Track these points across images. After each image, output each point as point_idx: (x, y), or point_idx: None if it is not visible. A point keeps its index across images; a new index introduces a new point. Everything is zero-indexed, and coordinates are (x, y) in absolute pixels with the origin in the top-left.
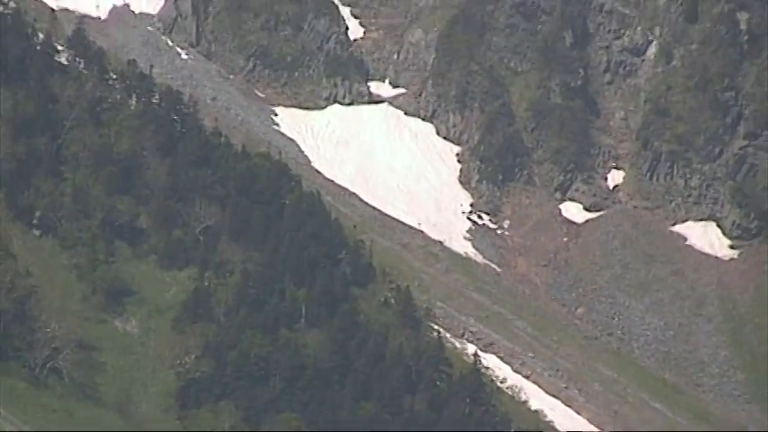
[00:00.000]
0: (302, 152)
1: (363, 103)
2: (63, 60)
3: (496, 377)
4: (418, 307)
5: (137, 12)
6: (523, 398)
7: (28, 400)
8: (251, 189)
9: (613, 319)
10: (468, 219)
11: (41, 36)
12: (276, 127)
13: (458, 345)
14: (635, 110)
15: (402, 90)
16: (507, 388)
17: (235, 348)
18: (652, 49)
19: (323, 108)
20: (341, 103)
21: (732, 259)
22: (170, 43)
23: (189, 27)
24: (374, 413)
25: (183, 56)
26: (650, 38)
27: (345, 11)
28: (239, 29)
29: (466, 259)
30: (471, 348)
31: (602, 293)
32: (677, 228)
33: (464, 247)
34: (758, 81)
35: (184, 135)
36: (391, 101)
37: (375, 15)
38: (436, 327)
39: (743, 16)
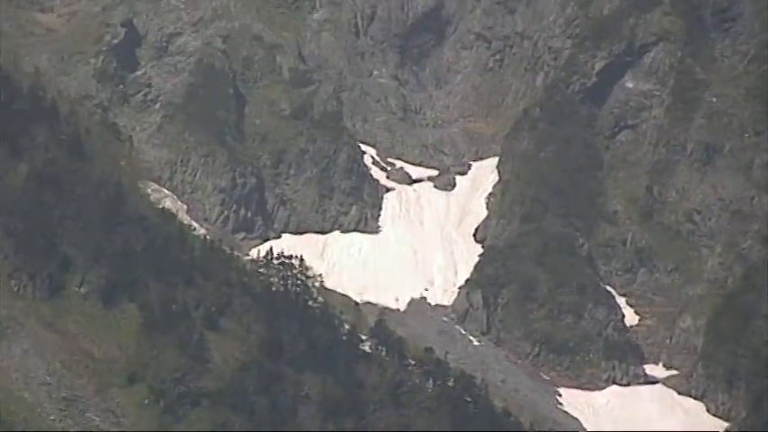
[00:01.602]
0: (584, 429)
1: (639, 383)
2: (366, 348)
3: None
4: None
5: (433, 303)
6: None
7: None
8: None
9: None
10: None
11: (347, 327)
12: (560, 406)
13: None
14: None
15: (674, 372)
16: None
17: None
18: None
19: (602, 389)
20: (619, 384)
21: None
22: (463, 332)
23: (480, 317)
24: None
25: (475, 343)
26: None
27: (621, 300)
28: (525, 318)
29: None
30: None
31: None
32: None
33: None
34: None
35: (477, 415)
36: (664, 381)
37: (649, 304)
38: None
39: None
